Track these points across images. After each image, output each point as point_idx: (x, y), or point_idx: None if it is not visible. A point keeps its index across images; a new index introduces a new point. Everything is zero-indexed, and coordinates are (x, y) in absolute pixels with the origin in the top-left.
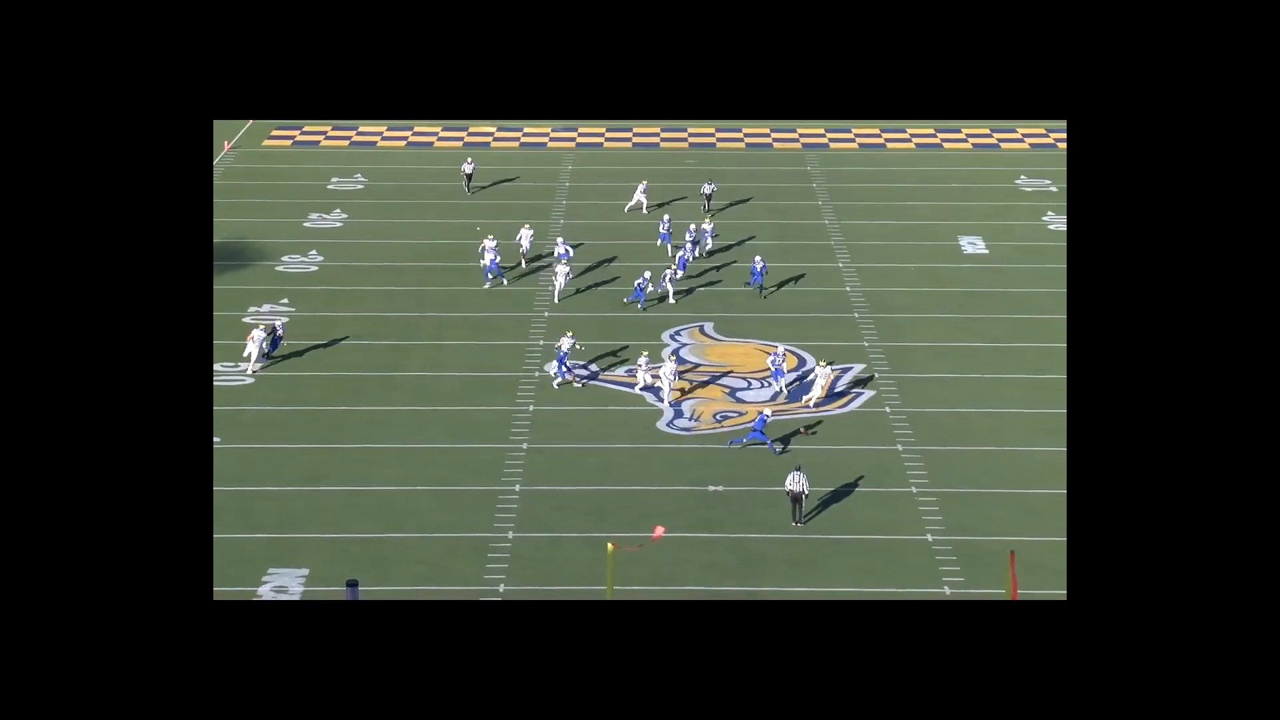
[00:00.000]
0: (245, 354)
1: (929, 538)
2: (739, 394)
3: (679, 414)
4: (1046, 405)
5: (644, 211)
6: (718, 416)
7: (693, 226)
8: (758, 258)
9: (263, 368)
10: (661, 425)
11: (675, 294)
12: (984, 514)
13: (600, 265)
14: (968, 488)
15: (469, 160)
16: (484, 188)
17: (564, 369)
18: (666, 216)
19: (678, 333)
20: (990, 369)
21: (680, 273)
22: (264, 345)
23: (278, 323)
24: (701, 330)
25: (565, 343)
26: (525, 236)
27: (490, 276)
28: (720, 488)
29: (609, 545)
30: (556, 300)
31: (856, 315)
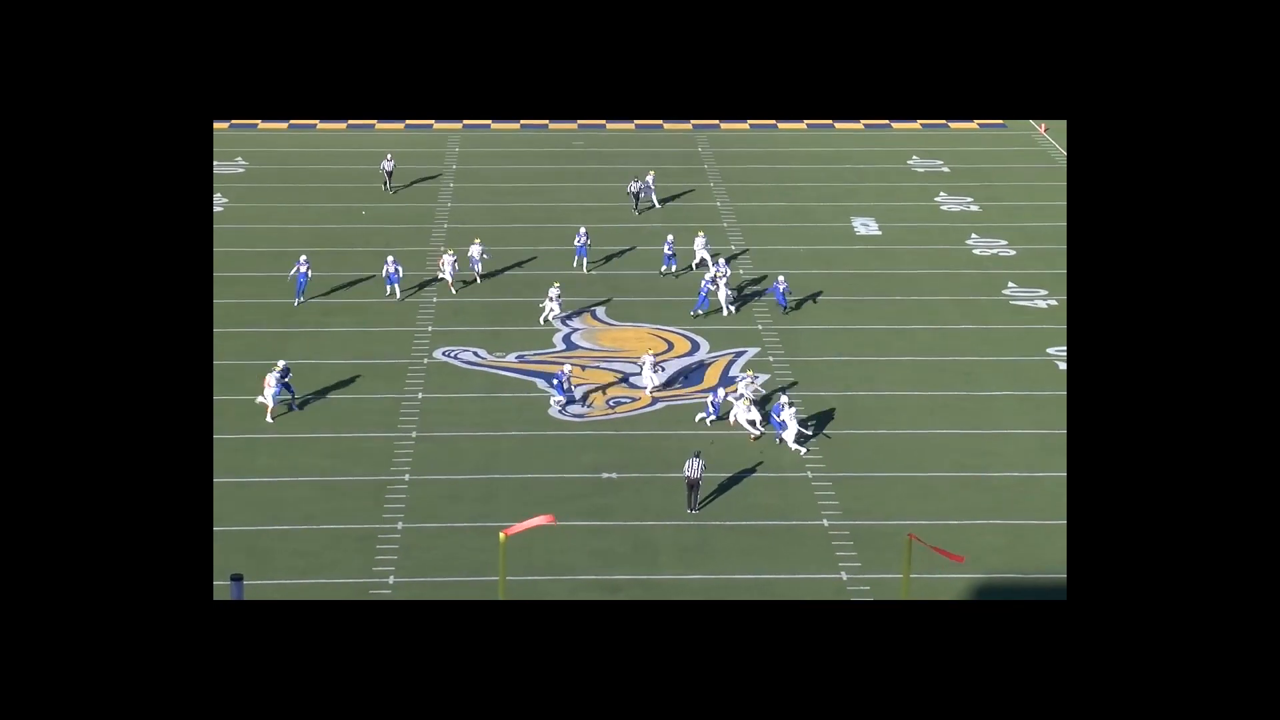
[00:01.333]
0: (258, 401)
1: (824, 522)
2: (632, 380)
3: (572, 400)
4: (937, 387)
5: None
6: (610, 402)
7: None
8: (781, 278)
9: (278, 405)
10: (554, 412)
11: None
12: (878, 497)
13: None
14: (862, 471)
15: (388, 157)
16: (404, 186)
17: (562, 393)
18: (670, 237)
19: (569, 317)
20: (881, 351)
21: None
22: (277, 388)
23: (280, 364)
24: (593, 315)
25: (566, 368)
26: (476, 250)
27: (389, 287)
28: (613, 474)
29: (501, 534)
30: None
31: (753, 299)
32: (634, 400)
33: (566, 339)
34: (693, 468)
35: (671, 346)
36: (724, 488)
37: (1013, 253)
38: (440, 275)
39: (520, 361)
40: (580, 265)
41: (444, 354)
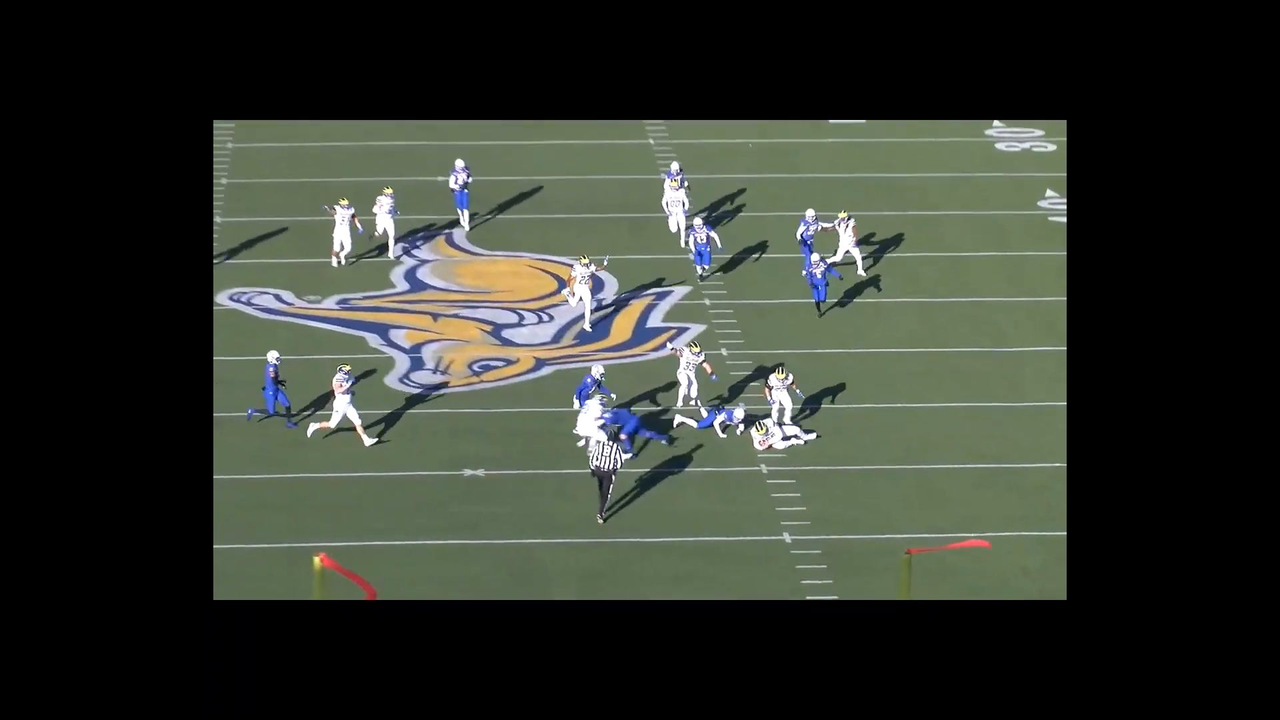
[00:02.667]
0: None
1: (786, 537)
2: (505, 332)
3: (418, 363)
4: (945, 343)
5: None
6: (475, 366)
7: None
8: (819, 259)
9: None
10: (393, 380)
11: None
12: (861, 500)
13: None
14: (838, 464)
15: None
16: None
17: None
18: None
19: (414, 244)
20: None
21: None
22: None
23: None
24: (449, 240)
25: (597, 370)
26: (383, 205)
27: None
28: (482, 472)
29: (316, 559)
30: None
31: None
32: (509, 364)
33: (410, 275)
34: (604, 455)
35: (563, 286)
36: (645, 487)
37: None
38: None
39: (343, 309)
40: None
41: (233, 298)
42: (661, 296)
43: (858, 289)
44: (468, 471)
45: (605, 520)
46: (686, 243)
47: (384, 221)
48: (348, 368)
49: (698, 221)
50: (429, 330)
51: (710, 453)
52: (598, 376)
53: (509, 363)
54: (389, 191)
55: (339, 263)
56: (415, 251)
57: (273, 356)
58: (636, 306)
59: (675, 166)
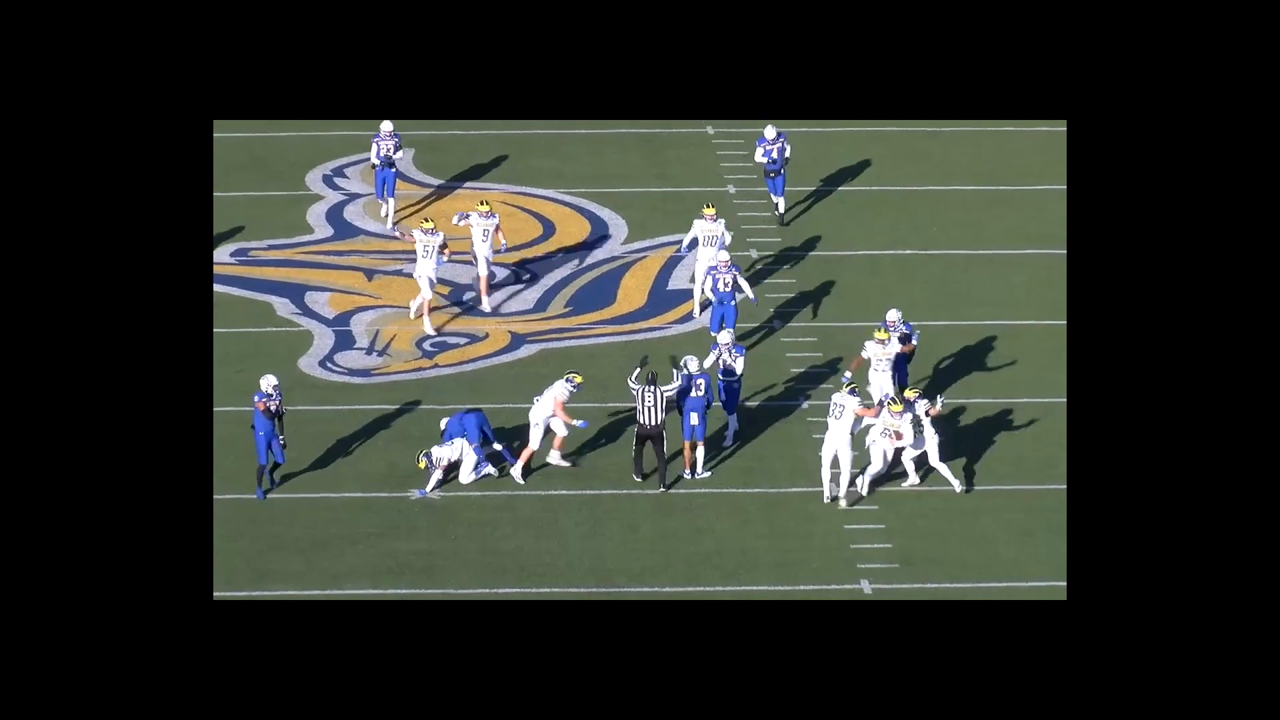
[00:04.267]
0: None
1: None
2: (469, 296)
3: (346, 340)
4: None
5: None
6: (427, 345)
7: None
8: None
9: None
10: (309, 364)
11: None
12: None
13: None
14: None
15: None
16: None
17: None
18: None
19: (339, 171)
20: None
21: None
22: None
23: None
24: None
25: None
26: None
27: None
28: (433, 493)
29: None
30: None
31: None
32: (474, 340)
33: (335, 216)
34: (651, 406)
35: (550, 233)
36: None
37: None
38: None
39: (239, 262)
40: None
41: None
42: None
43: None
44: (416, 493)
45: (669, 488)
46: (704, 289)
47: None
48: (578, 379)
49: (723, 258)
50: (361, 293)
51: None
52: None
53: (474, 339)
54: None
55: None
56: (340, 181)
57: (267, 384)
58: (653, 262)
59: (771, 132)
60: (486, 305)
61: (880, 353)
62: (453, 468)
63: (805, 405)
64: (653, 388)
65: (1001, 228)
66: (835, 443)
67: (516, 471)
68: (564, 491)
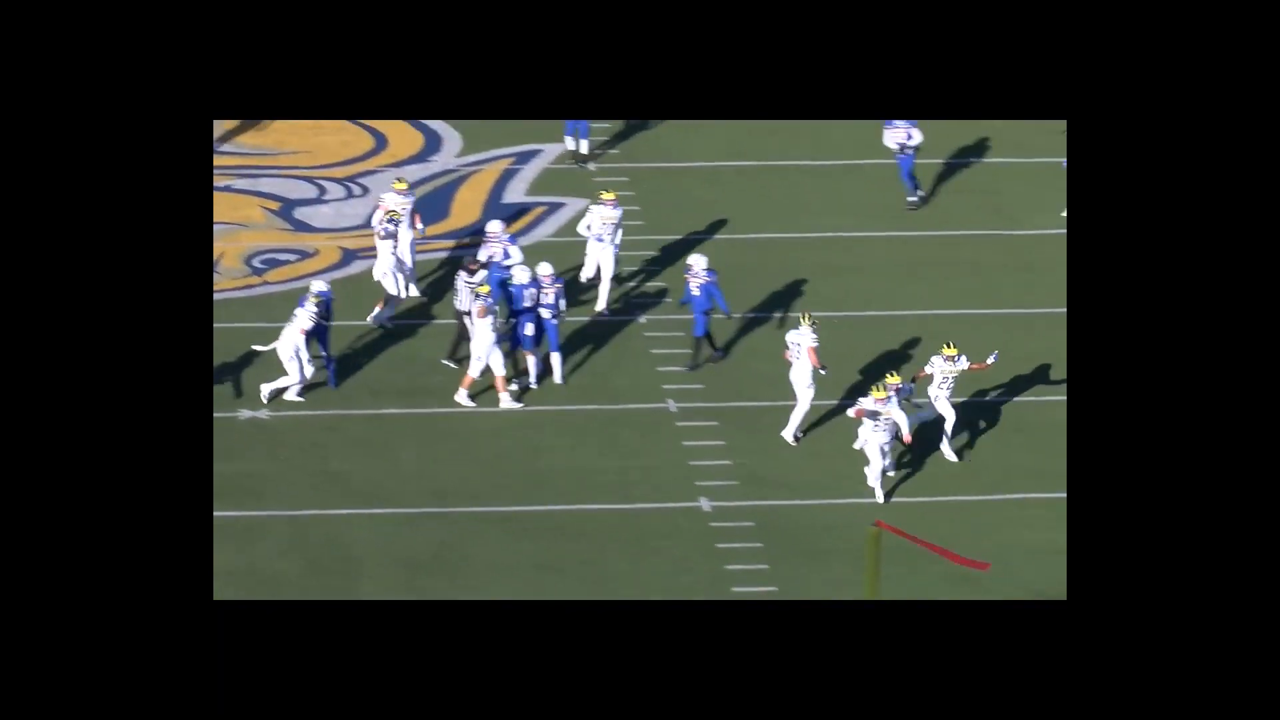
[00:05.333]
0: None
1: (703, 503)
2: (299, 212)
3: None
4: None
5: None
6: (256, 261)
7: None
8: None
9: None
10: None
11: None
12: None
13: None
14: (774, 399)
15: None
16: None
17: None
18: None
19: None
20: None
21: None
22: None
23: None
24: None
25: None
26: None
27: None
28: (265, 412)
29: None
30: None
31: None
32: (304, 257)
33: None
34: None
35: (383, 146)
36: (502, 432)
37: None
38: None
39: None
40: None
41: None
42: (525, 159)
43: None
44: (245, 413)
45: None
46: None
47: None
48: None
49: (700, 263)
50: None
51: (599, 383)
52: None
53: (304, 255)
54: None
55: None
56: None
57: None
58: (488, 175)
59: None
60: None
61: (948, 369)
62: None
63: (643, 320)
64: (466, 274)
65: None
66: (796, 381)
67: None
68: (395, 411)
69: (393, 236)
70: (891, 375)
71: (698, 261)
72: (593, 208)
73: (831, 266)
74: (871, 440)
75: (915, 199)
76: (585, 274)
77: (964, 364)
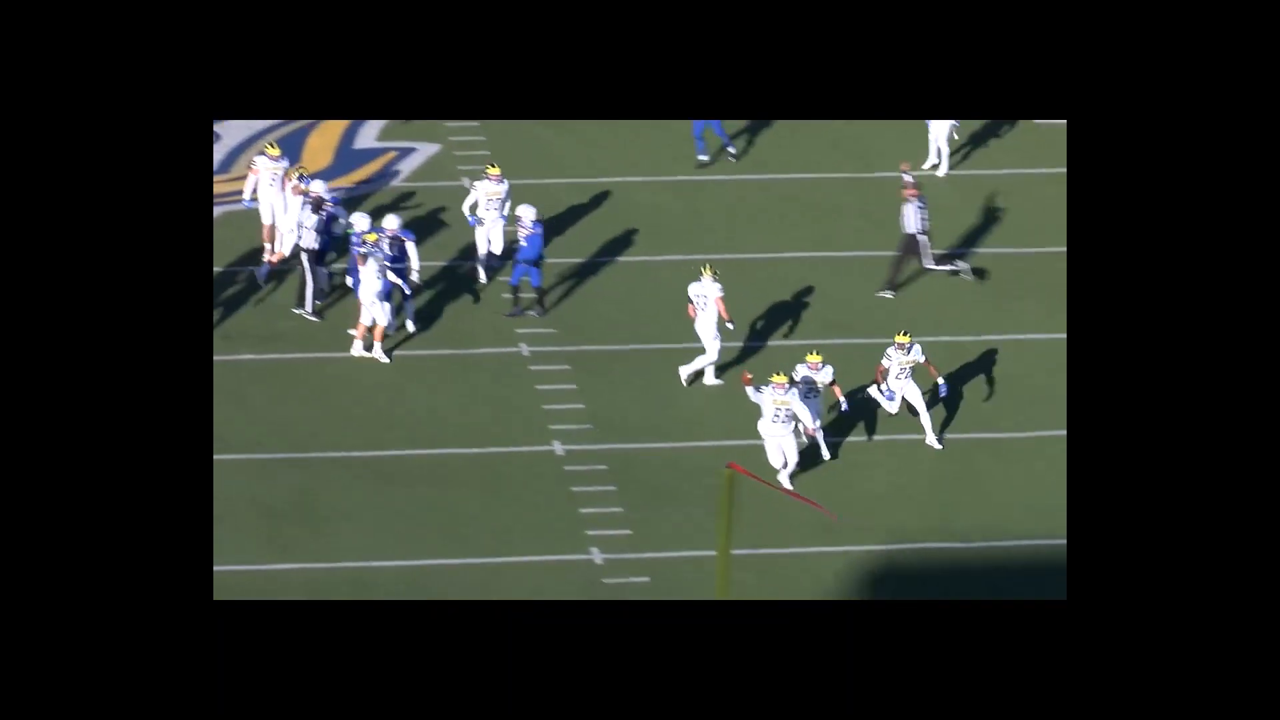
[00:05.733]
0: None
1: (557, 447)
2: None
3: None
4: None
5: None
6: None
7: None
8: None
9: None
10: None
11: None
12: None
13: None
14: (622, 342)
15: None
16: None
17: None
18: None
19: None
20: None
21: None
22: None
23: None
24: None
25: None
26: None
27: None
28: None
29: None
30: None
31: None
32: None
33: None
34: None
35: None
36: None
37: None
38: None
39: None
40: None
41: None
42: None
43: None
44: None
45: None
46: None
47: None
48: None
49: (528, 215)
50: None
51: (452, 328)
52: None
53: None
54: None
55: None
56: None
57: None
58: (339, 121)
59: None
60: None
61: (904, 360)
62: None
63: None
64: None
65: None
66: (702, 332)
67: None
68: (244, 356)
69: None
70: (812, 355)
71: (526, 213)
72: (477, 184)
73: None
74: (770, 436)
75: (705, 160)
76: (481, 252)
77: (918, 354)
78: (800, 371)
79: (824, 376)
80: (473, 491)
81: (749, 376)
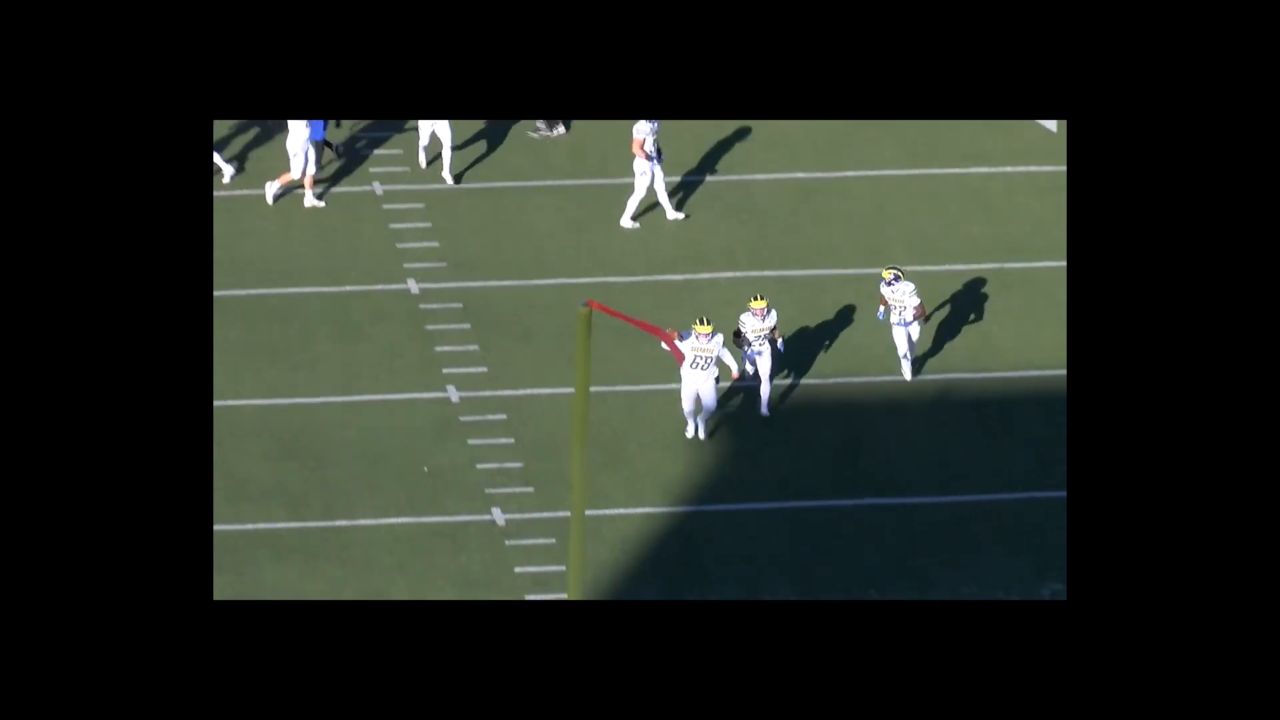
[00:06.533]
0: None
1: (452, 393)
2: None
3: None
4: None
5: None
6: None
7: None
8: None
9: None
10: None
11: None
12: None
13: None
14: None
15: None
16: None
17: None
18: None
19: None
20: None
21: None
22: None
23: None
24: None
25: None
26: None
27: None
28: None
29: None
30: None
31: None
32: None
33: None
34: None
35: None
36: None
37: None
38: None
39: None
40: None
41: None
42: None
43: None
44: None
45: None
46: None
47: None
48: None
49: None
50: None
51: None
52: None
53: None
54: None
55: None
56: None
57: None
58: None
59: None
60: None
61: (759, 327)
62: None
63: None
64: None
65: None
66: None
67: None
68: None
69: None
70: (757, 300)
71: None
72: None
73: None
74: (687, 380)
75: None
76: (422, 144)
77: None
78: (748, 323)
79: (769, 322)
80: (327, 330)
81: (675, 334)
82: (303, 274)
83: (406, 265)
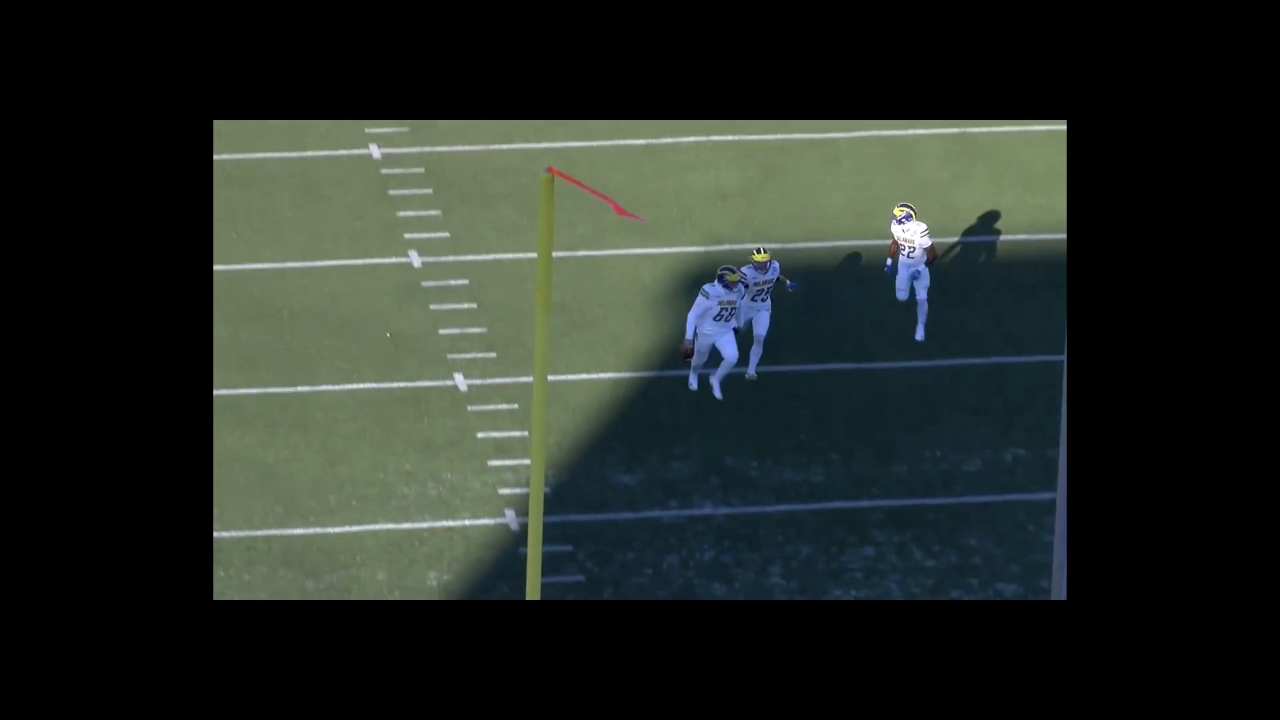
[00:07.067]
0: None
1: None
2: None
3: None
4: None
5: None
6: None
7: None
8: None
9: None
10: None
11: None
12: None
13: None
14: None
15: None
16: None
17: None
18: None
19: None
20: None
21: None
22: None
23: None
24: None
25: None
26: None
27: None
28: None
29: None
30: None
31: None
32: None
33: None
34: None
35: None
36: None
37: None
38: None
39: None
40: None
41: None
42: None
43: None
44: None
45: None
46: None
47: None
48: None
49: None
50: None
51: None
52: None
53: None
54: None
55: None
56: None
57: None
58: None
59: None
60: None
61: (761, 281)
62: None
63: None
64: None
65: None
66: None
67: None
68: None
69: None
70: (759, 254)
71: None
72: None
73: None
74: (705, 335)
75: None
76: None
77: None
78: (750, 277)
79: (770, 275)
80: (288, 194)
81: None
82: (266, 140)
83: (369, 130)
